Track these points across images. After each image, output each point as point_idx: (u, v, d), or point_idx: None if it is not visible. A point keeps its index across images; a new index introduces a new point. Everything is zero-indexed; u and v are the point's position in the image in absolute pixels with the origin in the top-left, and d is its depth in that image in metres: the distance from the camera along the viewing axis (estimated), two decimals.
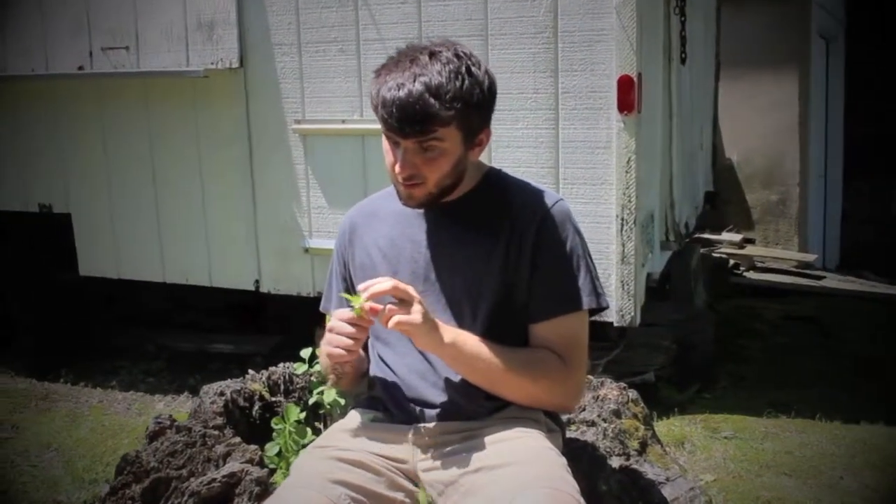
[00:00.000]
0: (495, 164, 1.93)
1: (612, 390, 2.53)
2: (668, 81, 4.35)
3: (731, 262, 6.82)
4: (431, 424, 1.76)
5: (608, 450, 2.24)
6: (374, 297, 1.63)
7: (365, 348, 1.90)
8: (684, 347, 4.49)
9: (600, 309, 1.81)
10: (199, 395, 2.43)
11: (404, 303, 1.64)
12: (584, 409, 2.42)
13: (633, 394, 2.55)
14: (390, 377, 1.83)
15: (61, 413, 4.37)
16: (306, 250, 4.21)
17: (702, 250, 5.70)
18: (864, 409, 4.03)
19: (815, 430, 3.79)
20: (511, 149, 3.72)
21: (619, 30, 3.47)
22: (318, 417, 2.33)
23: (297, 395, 2.52)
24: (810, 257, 7.42)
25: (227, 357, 4.97)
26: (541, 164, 3.69)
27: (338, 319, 1.70)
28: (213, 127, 4.31)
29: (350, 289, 1.88)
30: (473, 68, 1.69)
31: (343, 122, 4.02)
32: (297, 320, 3.65)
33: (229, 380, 2.49)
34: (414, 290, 1.66)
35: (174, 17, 4.18)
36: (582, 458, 2.07)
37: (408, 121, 1.63)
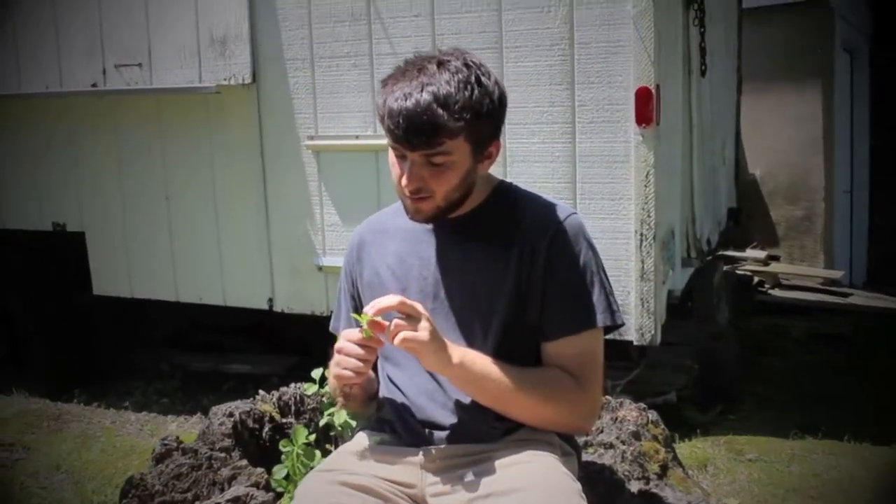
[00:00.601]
0: (510, 180, 1.89)
1: (631, 411, 2.49)
2: (688, 94, 4.29)
3: (756, 279, 6.73)
4: (441, 447, 1.70)
5: (627, 473, 2.19)
6: (381, 313, 1.59)
7: (375, 369, 1.85)
8: (707, 367, 4.42)
9: (615, 326, 1.76)
10: (208, 416, 2.41)
11: (412, 319, 1.59)
12: (601, 431, 2.38)
13: (652, 415, 2.51)
14: (399, 398, 1.78)
15: (73, 434, 4.36)
16: (320, 268, 4.18)
17: (725, 267, 5.62)
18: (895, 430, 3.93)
19: (844, 452, 3.72)
20: (527, 163, 3.67)
21: (636, 41, 3.42)
22: (329, 439, 2.30)
23: (307, 416, 2.49)
24: (837, 274, 7.31)
25: (244, 377, 4.95)
26: (557, 179, 3.64)
27: (346, 340, 1.66)
28: (226, 143, 4.30)
29: (359, 307, 1.84)
30: (483, 78, 1.65)
31: (356, 137, 3.99)
32: (315, 340, 3.61)
33: (239, 401, 2.47)
34: (422, 307, 1.61)
35: (187, 33, 4.17)
36: (599, 483, 2.03)
37: (415, 132, 1.59)
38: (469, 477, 1.64)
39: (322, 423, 2.24)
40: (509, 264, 1.71)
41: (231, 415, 2.36)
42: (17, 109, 4.79)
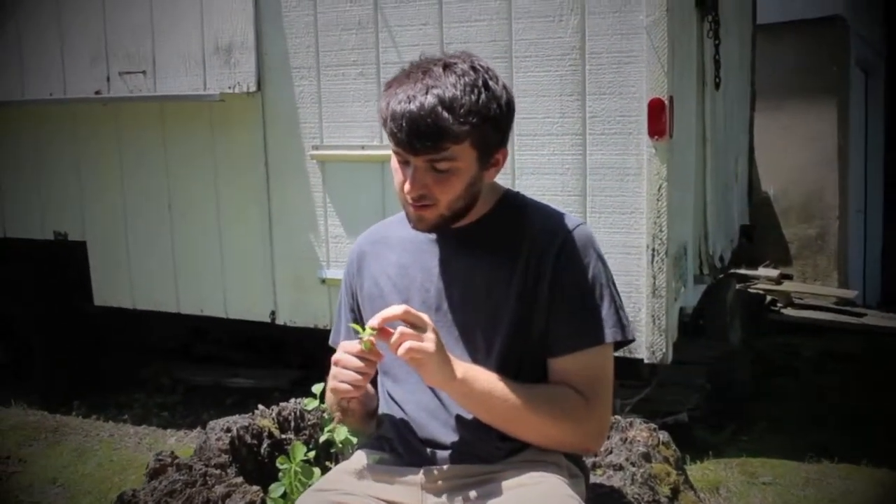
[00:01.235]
0: (519, 191, 1.83)
1: (641, 432, 2.42)
2: (702, 107, 4.24)
3: (769, 298, 6.67)
4: (442, 467, 1.64)
5: (637, 497, 2.12)
6: (386, 324, 1.53)
7: (375, 385, 1.80)
8: (719, 387, 4.36)
9: (626, 342, 1.70)
10: (205, 431, 2.34)
11: (417, 330, 1.53)
12: (610, 452, 2.31)
13: (663, 436, 2.44)
14: (399, 415, 1.73)
15: (70, 447, 4.32)
16: (323, 281, 4.13)
17: (738, 286, 5.57)
18: None
19: (861, 476, 3.66)
20: (536, 175, 3.61)
21: (649, 51, 3.37)
22: (329, 456, 2.22)
23: (307, 432, 2.43)
24: (850, 293, 7.27)
25: (246, 391, 4.91)
26: (567, 192, 3.58)
27: (344, 352, 1.61)
28: (230, 153, 4.28)
29: (359, 320, 1.79)
30: (491, 82, 1.59)
31: (362, 148, 3.95)
32: (320, 354, 3.57)
33: (237, 415, 2.41)
34: (427, 318, 1.55)
35: (191, 40, 4.15)
36: None
37: (418, 136, 1.53)
38: (472, 499, 1.58)
39: (322, 439, 2.17)
40: (515, 276, 1.65)
41: (229, 430, 2.30)
42: (19, 117, 4.78)
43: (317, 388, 2.17)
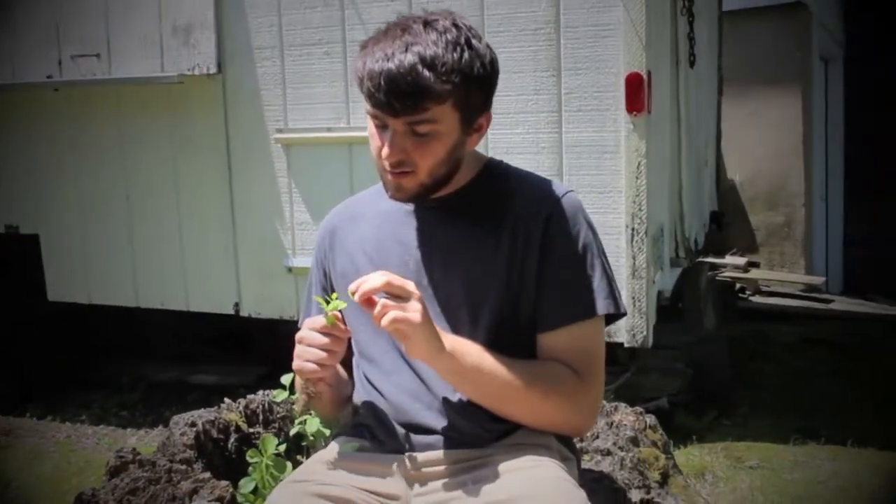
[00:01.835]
0: (503, 160, 1.74)
1: (627, 416, 2.37)
2: (676, 85, 4.19)
3: (737, 285, 6.66)
4: (428, 453, 1.54)
5: (627, 482, 2.07)
6: (367, 296, 1.41)
7: (350, 369, 1.71)
8: (698, 371, 4.33)
9: (618, 315, 1.62)
10: (169, 427, 2.26)
11: (400, 300, 1.41)
12: (597, 437, 2.25)
13: (650, 419, 2.40)
14: (377, 399, 1.62)
15: (25, 449, 4.21)
16: (289, 270, 4.05)
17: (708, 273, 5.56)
18: None
19: (848, 457, 3.64)
20: (511, 155, 3.52)
21: (627, 24, 3.31)
22: (300, 450, 2.15)
23: (277, 425, 2.35)
24: (818, 280, 7.34)
25: (210, 389, 4.79)
26: (543, 171, 3.47)
27: (308, 328, 1.51)
28: (190, 138, 4.18)
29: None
30: (474, 41, 1.52)
31: (329, 130, 3.86)
32: (286, 349, 3.47)
33: (203, 409, 2.32)
34: (412, 286, 1.43)
35: (148, 21, 4.05)
36: (599, 492, 1.88)
37: (397, 95, 1.43)
38: (462, 487, 1.48)
39: (293, 432, 2.08)
40: (501, 247, 1.56)
41: (193, 424, 2.21)
42: None
43: (286, 379, 2.07)
